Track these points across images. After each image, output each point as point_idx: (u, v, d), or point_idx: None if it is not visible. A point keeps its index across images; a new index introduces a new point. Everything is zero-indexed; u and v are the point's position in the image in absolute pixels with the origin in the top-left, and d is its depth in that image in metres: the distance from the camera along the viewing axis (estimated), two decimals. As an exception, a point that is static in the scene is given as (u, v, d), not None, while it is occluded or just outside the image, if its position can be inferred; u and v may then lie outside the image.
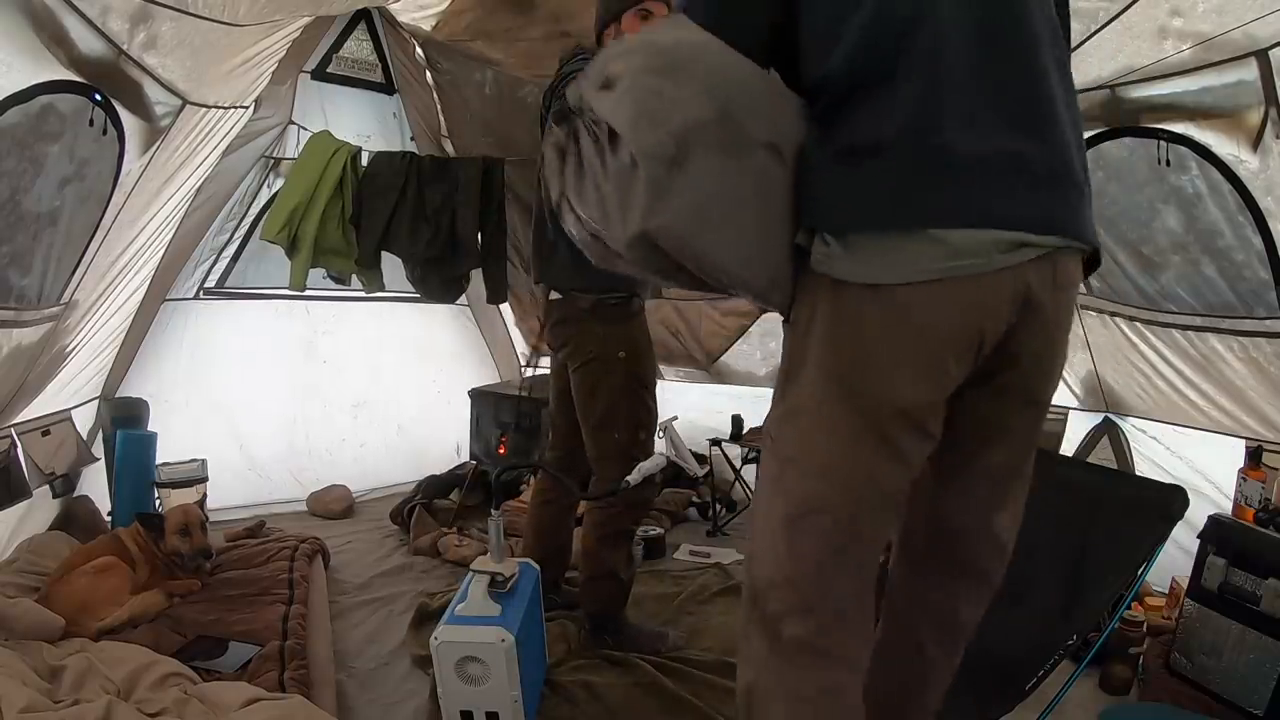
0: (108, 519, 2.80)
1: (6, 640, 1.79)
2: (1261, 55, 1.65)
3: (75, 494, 2.82)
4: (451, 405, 3.83)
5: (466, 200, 3.17)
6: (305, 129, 3.27)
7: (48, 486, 2.58)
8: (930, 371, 0.97)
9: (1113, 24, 1.81)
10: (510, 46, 2.95)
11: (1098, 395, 2.69)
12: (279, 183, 3.25)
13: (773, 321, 3.32)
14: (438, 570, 2.79)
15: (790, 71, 1.05)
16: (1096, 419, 2.73)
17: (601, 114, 0.95)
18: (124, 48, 1.77)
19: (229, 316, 3.38)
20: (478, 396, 3.55)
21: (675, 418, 3.07)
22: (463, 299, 3.64)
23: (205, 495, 2.97)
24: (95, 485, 2.90)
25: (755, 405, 3.12)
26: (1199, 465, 2.39)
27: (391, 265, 3.33)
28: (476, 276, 3.37)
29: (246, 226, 3.33)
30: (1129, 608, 1.84)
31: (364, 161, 3.20)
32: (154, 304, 3.11)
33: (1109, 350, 2.51)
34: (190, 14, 1.82)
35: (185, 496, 2.82)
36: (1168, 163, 1.95)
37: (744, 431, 3.41)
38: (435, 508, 3.25)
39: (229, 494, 3.21)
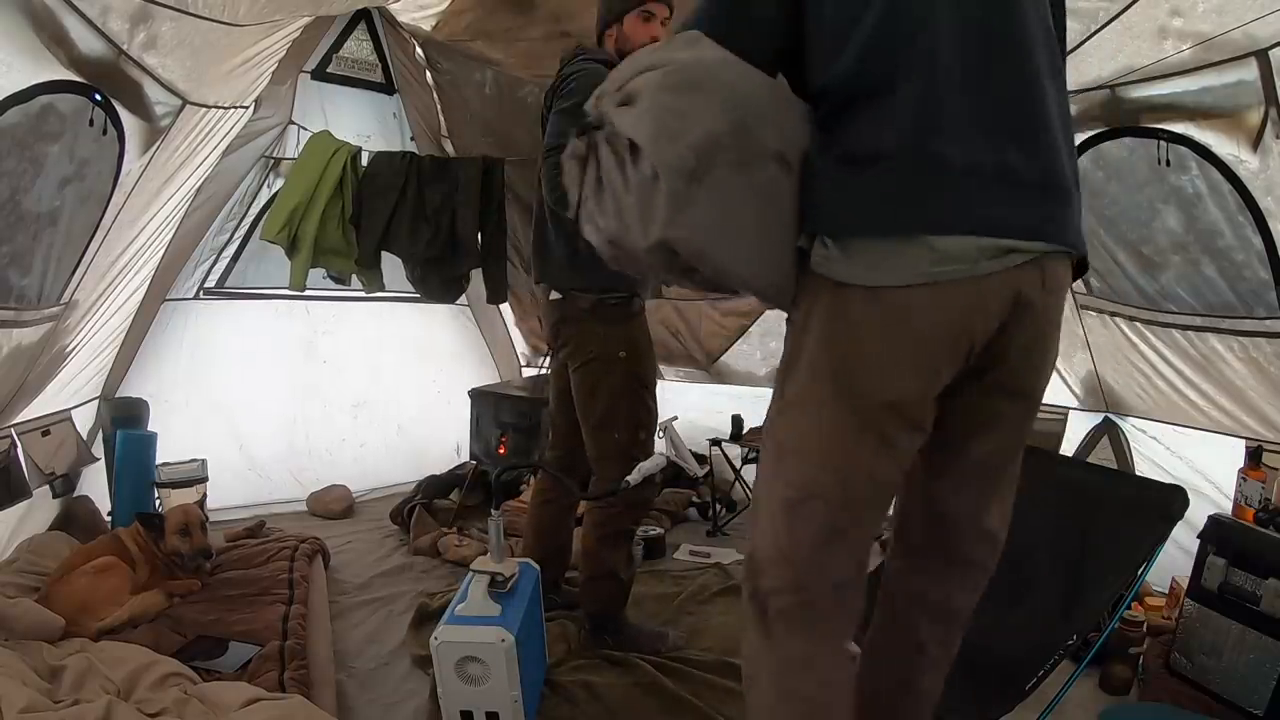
0: (108, 519, 2.80)
1: (6, 640, 1.79)
2: (1261, 55, 1.65)
3: (75, 494, 2.82)
4: (451, 405, 3.83)
5: (466, 200, 3.17)
6: (305, 129, 3.27)
7: (48, 486, 2.58)
8: (921, 370, 1.02)
9: (1113, 24, 1.81)
10: (510, 46, 2.95)
11: (1098, 395, 2.69)
12: (279, 183, 3.25)
13: (772, 321, 3.33)
14: (438, 570, 2.79)
15: (796, 74, 1.10)
16: (1096, 419, 2.73)
17: (623, 129, 1.01)
18: (124, 48, 1.77)
19: (229, 316, 3.38)
20: (478, 396, 3.55)
21: (675, 418, 3.07)
22: (463, 299, 3.64)
23: (205, 495, 2.97)
24: (95, 485, 2.90)
25: (755, 405, 3.12)
26: (1199, 465, 2.39)
27: (391, 265, 3.33)
28: (476, 276, 3.37)
29: (246, 226, 3.33)
30: (1129, 608, 1.84)
31: (364, 161, 3.20)
32: (154, 304, 3.11)
33: (1109, 350, 2.51)
34: (190, 14, 1.82)
35: (185, 496, 2.82)
36: (1168, 163, 1.95)
37: (744, 431, 3.41)
38: (435, 508, 3.25)
39: (229, 494, 3.21)
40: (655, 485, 2.26)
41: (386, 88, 3.54)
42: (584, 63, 1.94)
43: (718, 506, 3.36)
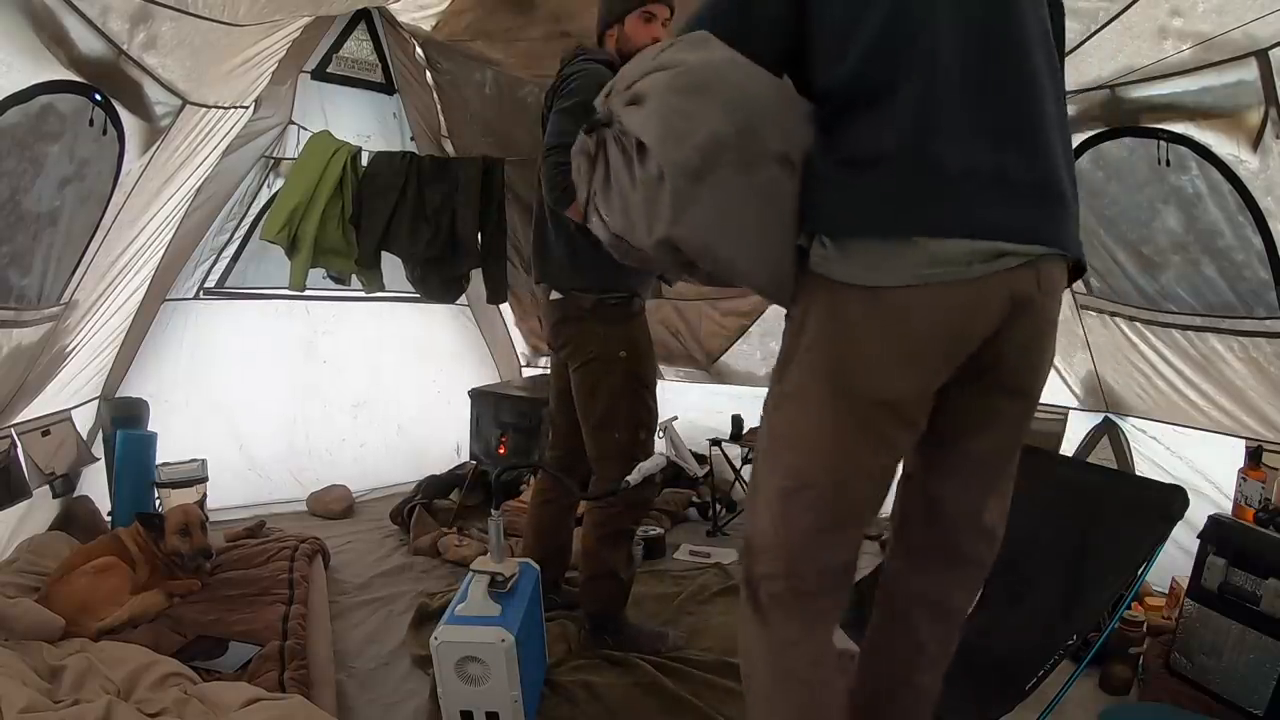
0: (108, 519, 2.80)
1: (6, 640, 1.79)
2: (1261, 55, 1.65)
3: (75, 494, 2.82)
4: (451, 405, 3.83)
5: (466, 200, 3.17)
6: (305, 129, 3.27)
7: (48, 486, 2.58)
8: (914, 369, 1.05)
9: (1113, 24, 1.81)
10: (510, 46, 2.95)
11: (1098, 395, 2.69)
12: (279, 183, 3.25)
13: (772, 322, 3.32)
14: (438, 570, 2.79)
15: (800, 74, 1.13)
16: (1096, 419, 2.73)
17: (631, 129, 1.04)
18: (124, 48, 1.77)
19: (229, 316, 3.38)
20: (478, 396, 3.55)
21: (675, 418, 3.08)
22: (463, 299, 3.64)
23: (205, 495, 2.97)
24: (95, 485, 2.90)
25: (755, 405, 3.09)
26: (1199, 465, 2.39)
27: (391, 265, 3.33)
28: (476, 276, 3.37)
29: (246, 226, 3.33)
30: (1129, 608, 1.84)
31: (364, 161, 3.20)
32: (154, 304, 3.11)
33: (1109, 350, 2.51)
34: (190, 14, 1.82)
35: (185, 496, 2.82)
36: (1168, 163, 1.95)
37: (744, 431, 3.41)
38: (435, 508, 3.25)
39: (229, 494, 3.21)
40: (655, 485, 2.26)
41: (386, 88, 3.54)
42: (584, 63, 1.94)
43: (718, 506, 3.36)
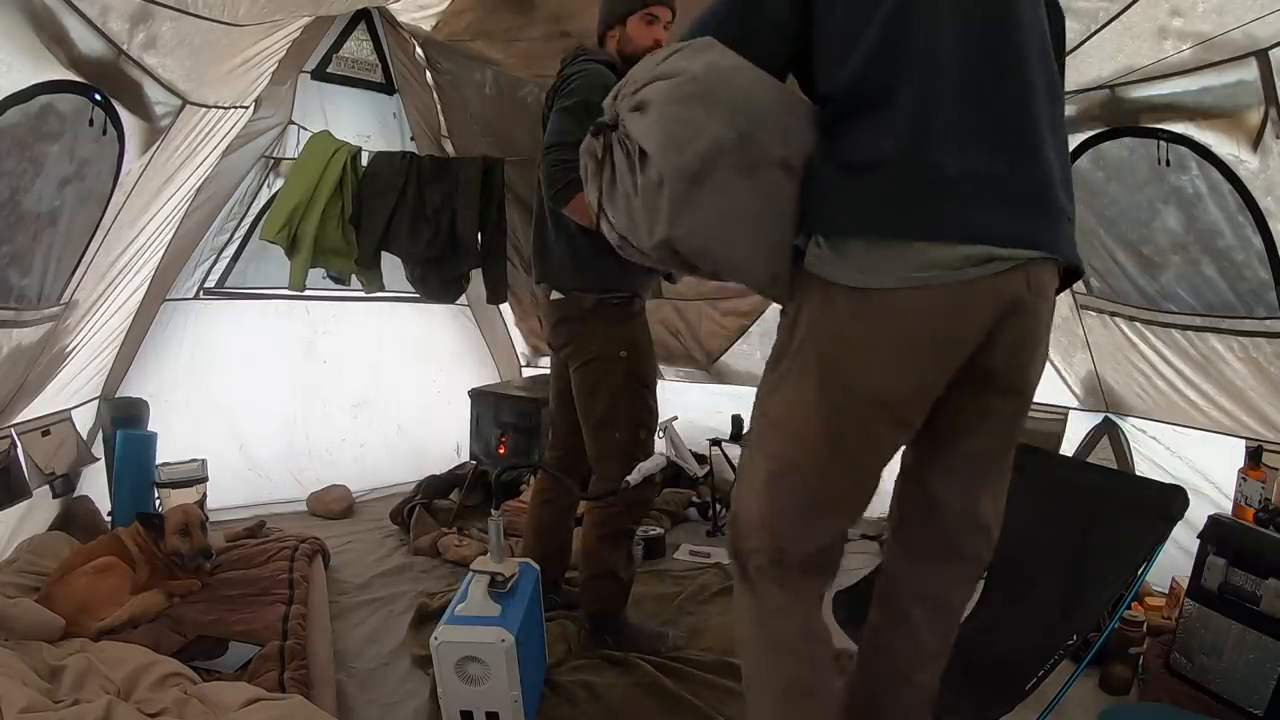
0: (108, 519, 2.80)
1: (6, 640, 1.79)
2: (1261, 55, 1.65)
3: (75, 494, 2.82)
4: (451, 405, 3.83)
5: (466, 200, 3.17)
6: (305, 129, 3.26)
7: (48, 486, 2.58)
8: (904, 369, 1.08)
9: (1113, 24, 1.81)
10: (510, 46, 2.95)
11: (1098, 395, 2.69)
12: (279, 183, 3.25)
13: (773, 322, 3.29)
14: (438, 570, 2.79)
15: (805, 76, 1.16)
16: (1096, 419, 2.73)
17: (634, 134, 1.08)
18: (124, 48, 1.77)
19: (229, 316, 3.38)
20: (478, 396, 3.55)
21: (675, 418, 3.07)
22: (463, 299, 3.64)
23: (205, 495, 2.97)
24: (95, 485, 2.90)
25: (755, 405, 3.11)
26: (1199, 465, 2.39)
27: (391, 265, 3.33)
28: (476, 276, 3.37)
29: (246, 226, 3.33)
30: (1129, 608, 1.84)
31: (364, 161, 3.20)
32: (154, 304, 3.11)
33: (1109, 350, 2.51)
34: (190, 14, 1.82)
35: (185, 496, 2.82)
36: (1168, 163, 1.95)
37: (744, 431, 3.40)
38: (435, 508, 3.25)
39: (229, 494, 3.21)
40: (655, 485, 2.26)
41: (386, 88, 3.54)
42: (585, 63, 1.94)
43: (718, 506, 3.36)
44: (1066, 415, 2.79)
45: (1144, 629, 2.01)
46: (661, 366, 3.31)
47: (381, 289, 3.42)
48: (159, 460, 2.92)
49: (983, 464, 1.22)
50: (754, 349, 3.54)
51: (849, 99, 1.08)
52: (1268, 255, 1.87)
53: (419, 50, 3.21)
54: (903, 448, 1.25)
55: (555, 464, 2.26)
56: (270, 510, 3.31)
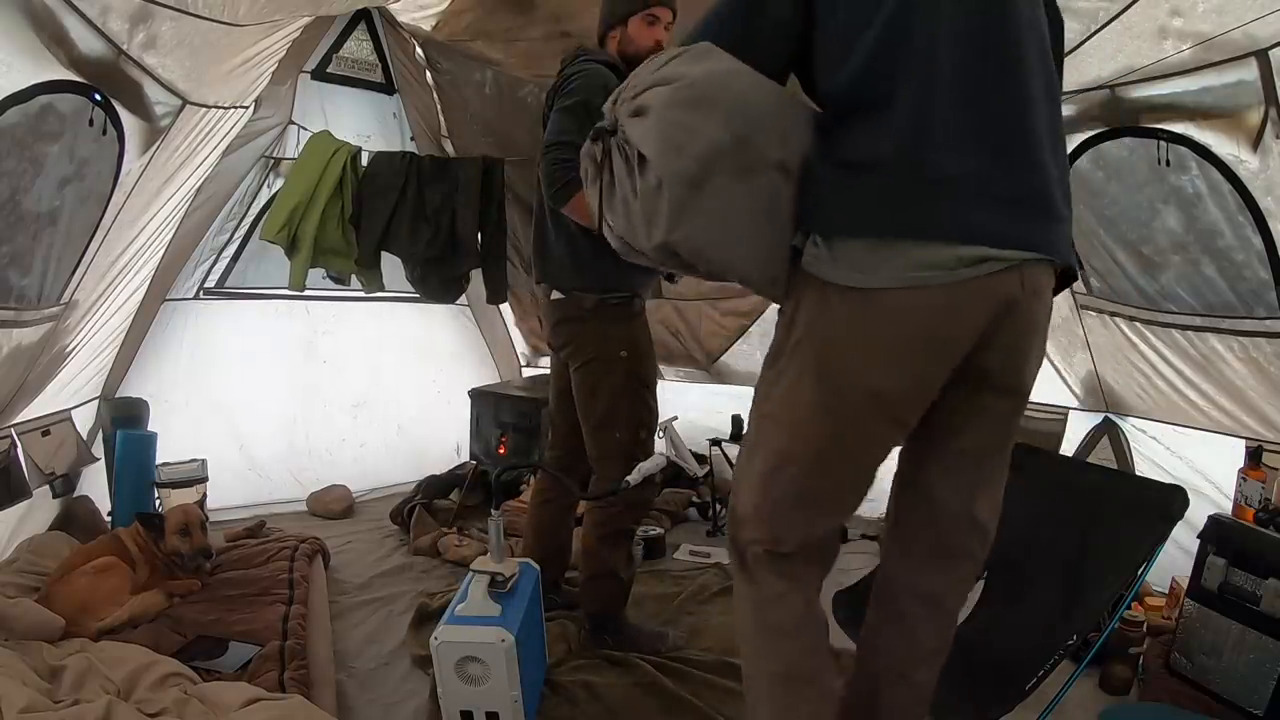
0: (108, 519, 2.80)
1: (6, 640, 1.79)
2: (1261, 55, 1.65)
3: (75, 494, 2.82)
4: (451, 405, 3.83)
5: (466, 200, 3.17)
6: (305, 129, 3.26)
7: (48, 486, 2.58)
8: (897, 367, 1.10)
9: (1113, 24, 1.81)
10: (510, 46, 2.95)
11: (1098, 395, 2.69)
12: (279, 183, 3.25)
13: (772, 321, 3.29)
14: (438, 570, 2.79)
15: (805, 76, 1.18)
16: (1096, 419, 2.73)
17: (633, 139, 1.10)
18: (124, 48, 1.77)
19: (229, 316, 3.38)
20: (478, 396, 3.55)
21: (675, 418, 3.08)
22: (463, 299, 3.64)
23: (205, 495, 2.97)
24: (95, 485, 2.90)
25: (755, 405, 3.11)
26: (1199, 465, 2.39)
27: (391, 265, 3.33)
28: (476, 276, 3.37)
29: (246, 226, 3.33)
30: (1129, 608, 1.84)
31: (364, 161, 3.20)
32: (154, 304, 3.11)
33: (1109, 350, 2.51)
34: (190, 14, 1.82)
35: (185, 496, 2.82)
36: (1168, 163, 1.95)
37: (744, 431, 3.40)
38: (435, 508, 3.25)
39: (229, 494, 3.21)
40: (655, 485, 2.26)
41: (386, 88, 3.54)
42: (585, 63, 1.94)
43: (718, 506, 3.35)
44: (1066, 415, 2.79)
45: (1144, 629, 2.01)
46: (661, 366, 3.32)
47: (381, 289, 3.42)
48: (159, 460, 2.92)
49: (979, 463, 1.23)
50: (754, 349, 3.54)
51: (848, 99, 1.09)
52: (1268, 255, 1.87)
53: (419, 50, 3.21)
54: (900, 447, 1.27)
55: (555, 464, 2.26)
56: (270, 510, 3.31)
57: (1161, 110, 1.92)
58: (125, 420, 2.93)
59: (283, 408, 3.55)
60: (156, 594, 2.19)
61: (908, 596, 1.28)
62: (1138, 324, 2.32)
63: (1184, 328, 2.18)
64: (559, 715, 1.86)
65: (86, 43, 1.67)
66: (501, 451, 3.33)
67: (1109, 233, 2.22)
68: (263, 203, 3.30)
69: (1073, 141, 2.13)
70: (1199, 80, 1.80)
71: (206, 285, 3.32)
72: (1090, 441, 2.72)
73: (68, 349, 2.44)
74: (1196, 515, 1.78)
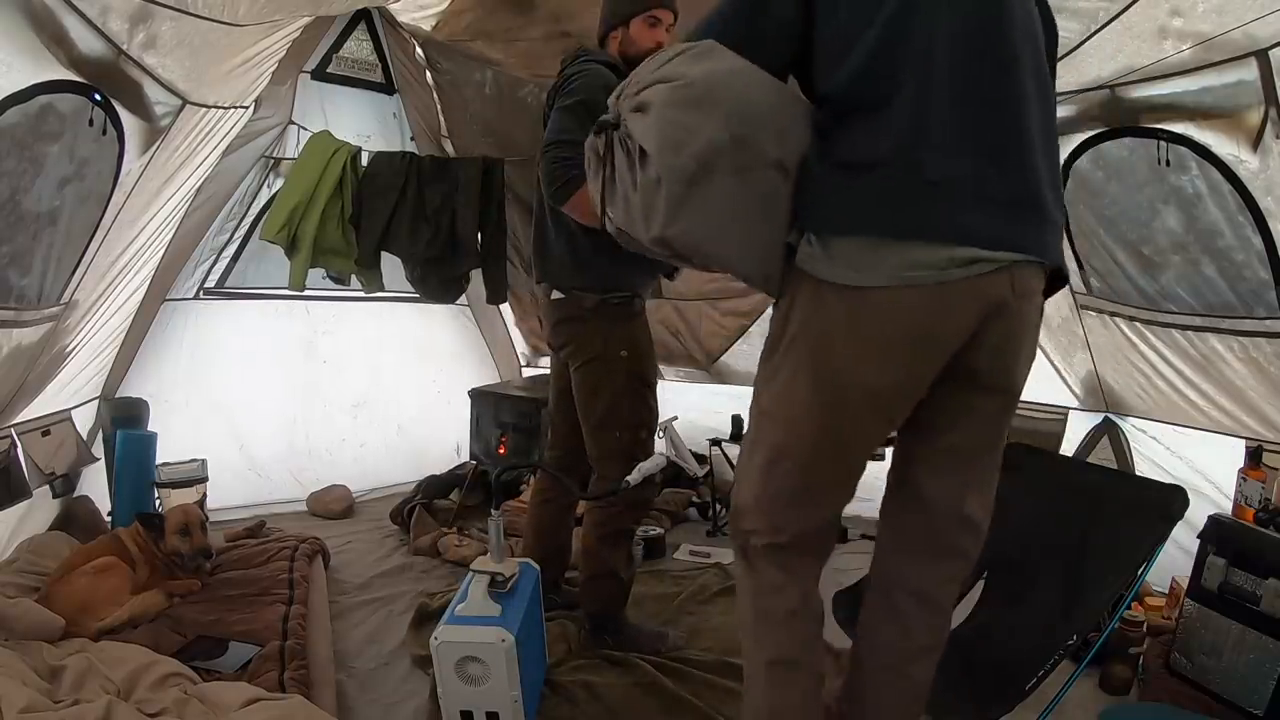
0: (108, 519, 2.80)
1: (6, 640, 1.79)
2: (1261, 55, 1.64)
3: (75, 494, 2.82)
4: (451, 405, 3.83)
5: (466, 200, 3.17)
6: (305, 129, 3.26)
7: (48, 486, 2.58)
8: (886, 363, 1.12)
9: (1113, 24, 1.81)
10: (510, 46, 2.95)
11: (1098, 395, 2.69)
12: (279, 183, 3.25)
13: (773, 321, 3.32)
14: (438, 570, 2.79)
15: (805, 76, 1.20)
16: (1096, 419, 2.73)
17: (635, 134, 1.13)
18: (124, 48, 1.77)
19: (229, 316, 3.38)
20: (478, 396, 3.55)
21: (675, 418, 3.08)
22: (463, 299, 3.64)
23: (205, 495, 2.97)
24: (95, 485, 2.90)
25: (755, 405, 3.11)
26: (1199, 465, 2.39)
27: (391, 265, 3.33)
28: (476, 276, 3.37)
29: (246, 226, 3.33)
30: (1129, 608, 1.84)
31: (364, 161, 3.20)
32: (154, 304, 3.11)
33: (1109, 350, 2.51)
34: (190, 14, 1.82)
35: (185, 496, 2.82)
36: (1168, 163, 1.95)
37: (744, 431, 3.40)
38: (435, 508, 3.25)
39: (229, 494, 3.21)
40: (655, 485, 2.26)
41: (386, 88, 3.54)
42: (586, 63, 1.94)
43: (718, 506, 3.35)
44: (1066, 415, 2.79)
45: (1144, 629, 2.00)
46: (661, 366, 3.32)
47: (381, 289, 3.42)
48: (159, 460, 2.92)
49: (969, 461, 1.26)
50: (754, 349, 3.53)
51: (847, 99, 1.11)
52: (1268, 255, 1.86)
53: (419, 50, 3.21)
54: (895, 446, 1.31)
55: (555, 464, 2.25)
56: (270, 510, 3.31)
57: (1161, 110, 1.92)
58: (125, 420, 2.93)
59: (283, 408, 3.55)
60: (156, 594, 2.19)
61: (901, 592, 1.30)
62: (1138, 324, 2.32)
63: (1184, 328, 2.18)
64: (559, 715, 1.86)
65: (86, 43, 1.67)
66: (501, 451, 3.33)
67: (1109, 233, 2.22)
68: (263, 203, 3.30)
69: (1073, 141, 2.13)
70: (1199, 80, 1.80)
71: (206, 285, 3.33)
72: (1090, 441, 2.72)
73: (68, 349, 2.44)
74: (1196, 515, 1.78)
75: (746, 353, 3.57)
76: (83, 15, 1.59)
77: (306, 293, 3.24)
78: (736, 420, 3.41)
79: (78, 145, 1.82)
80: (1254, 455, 2.08)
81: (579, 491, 2.17)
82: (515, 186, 3.28)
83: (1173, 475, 2.41)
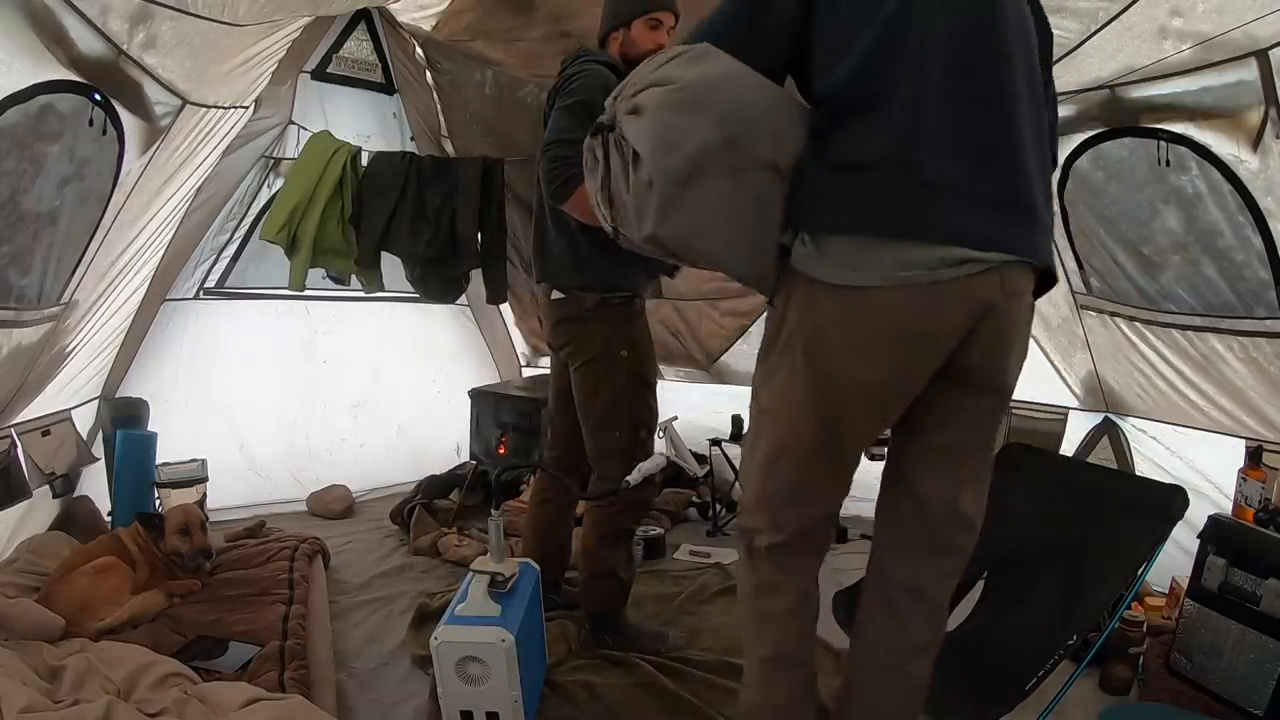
0: (108, 519, 2.80)
1: (6, 640, 1.79)
2: (1261, 55, 1.64)
3: (75, 494, 2.82)
4: (451, 405, 3.83)
5: (466, 200, 3.17)
6: (305, 129, 3.26)
7: (48, 486, 2.58)
8: (878, 361, 1.14)
9: (1113, 24, 1.81)
10: (510, 46, 2.95)
11: (1098, 395, 2.69)
12: (279, 183, 3.24)
13: (773, 321, 3.32)
14: (438, 570, 2.79)
15: (801, 74, 1.21)
16: (1096, 419, 2.73)
17: (629, 137, 1.16)
18: (124, 47, 1.77)
19: (229, 316, 3.38)
20: (478, 396, 3.55)
21: (675, 418, 3.07)
22: (463, 299, 3.64)
23: (205, 495, 2.97)
24: (95, 485, 2.90)
25: (755, 405, 3.11)
26: (1199, 465, 2.39)
27: (391, 265, 3.33)
28: (476, 276, 3.37)
29: (246, 226, 3.33)
30: (1129, 608, 1.84)
31: (364, 161, 3.20)
32: (154, 304, 3.11)
33: (1109, 350, 2.51)
34: (190, 14, 1.82)
35: (185, 496, 2.82)
36: (1168, 163, 1.95)
37: (744, 431, 3.40)
38: (435, 508, 3.25)
39: (229, 494, 3.21)
40: (655, 485, 2.26)
41: (386, 88, 3.54)
42: (586, 64, 1.94)
43: (718, 506, 3.36)
44: (1066, 415, 2.79)
45: (1144, 629, 2.01)
46: (661, 366, 3.32)
47: (381, 289, 3.42)
48: (159, 460, 2.92)
49: (962, 458, 1.27)
50: (754, 349, 3.46)
51: (844, 99, 1.12)
52: (1268, 255, 1.86)
53: (419, 50, 3.21)
54: (890, 444, 1.33)
55: (555, 464, 2.25)
56: (270, 510, 3.31)
57: (1161, 110, 1.92)
58: (125, 420, 2.93)
59: (283, 408, 3.55)
60: (156, 594, 2.19)
61: (897, 589, 1.32)
62: (1138, 324, 2.32)
63: (1184, 328, 2.18)
64: (559, 715, 1.86)
65: (86, 43, 1.67)
66: (501, 451, 3.33)
67: (1109, 233, 2.22)
68: (263, 203, 3.30)
69: (1073, 141, 2.13)
70: (1199, 80, 1.80)
71: (206, 285, 3.32)
72: (1090, 441, 2.72)
73: (68, 349, 2.44)
74: (1196, 515, 1.78)
75: (746, 353, 3.57)
76: (83, 15, 1.59)
77: (306, 293, 3.24)
78: (736, 420, 3.41)
79: (78, 145, 1.82)
80: (1254, 455, 2.08)
81: (579, 491, 2.17)
82: (515, 186, 3.28)
83: (1173, 475, 2.41)
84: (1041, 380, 2.75)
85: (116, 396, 3.04)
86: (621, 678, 1.97)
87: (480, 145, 3.33)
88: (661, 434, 2.73)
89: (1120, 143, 2.06)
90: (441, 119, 3.47)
